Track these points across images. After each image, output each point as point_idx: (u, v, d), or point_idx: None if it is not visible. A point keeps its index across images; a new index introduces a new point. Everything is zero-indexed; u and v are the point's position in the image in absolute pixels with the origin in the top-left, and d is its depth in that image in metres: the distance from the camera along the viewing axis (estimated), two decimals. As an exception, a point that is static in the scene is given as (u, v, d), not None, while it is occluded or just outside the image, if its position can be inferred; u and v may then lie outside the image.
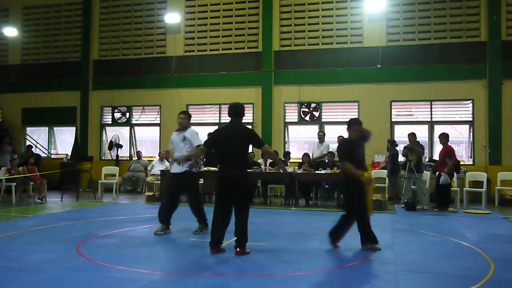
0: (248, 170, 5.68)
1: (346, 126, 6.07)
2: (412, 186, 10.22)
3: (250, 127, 13.74)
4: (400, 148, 11.29)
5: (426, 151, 12.17)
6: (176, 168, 6.71)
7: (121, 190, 13.60)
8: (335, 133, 13.76)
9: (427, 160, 12.00)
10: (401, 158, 11.11)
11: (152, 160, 13.61)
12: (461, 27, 12.75)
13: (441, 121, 12.96)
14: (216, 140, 5.71)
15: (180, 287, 4.32)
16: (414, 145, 10.19)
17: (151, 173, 13.20)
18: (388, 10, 13.12)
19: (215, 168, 10.27)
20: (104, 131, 15.68)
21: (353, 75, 13.26)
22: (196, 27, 14.76)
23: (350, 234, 6.96)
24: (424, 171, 10.64)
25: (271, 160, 11.62)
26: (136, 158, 14.28)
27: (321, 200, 11.66)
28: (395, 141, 11.57)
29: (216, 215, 5.48)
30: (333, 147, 12.61)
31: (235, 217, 5.49)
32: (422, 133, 12.58)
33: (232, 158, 5.43)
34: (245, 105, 15.39)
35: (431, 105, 12.95)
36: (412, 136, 10.37)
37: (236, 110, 5.60)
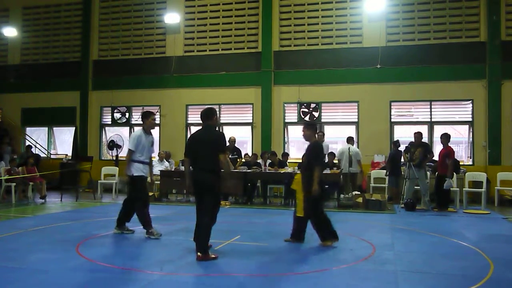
0: (221, 170, 5.58)
1: (311, 129, 6.27)
2: (416, 187, 10.22)
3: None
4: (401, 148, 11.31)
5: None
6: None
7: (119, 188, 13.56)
8: (334, 134, 13.83)
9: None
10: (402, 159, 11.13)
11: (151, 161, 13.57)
12: (460, 27, 12.76)
13: (441, 121, 12.96)
14: (190, 146, 5.73)
15: (179, 287, 4.32)
16: (419, 144, 10.21)
17: (150, 173, 13.16)
18: (388, 11, 13.13)
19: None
20: (103, 131, 15.68)
21: (352, 75, 13.26)
22: (195, 27, 14.76)
23: (347, 234, 6.97)
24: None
25: (270, 161, 11.63)
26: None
27: (320, 200, 11.64)
28: (397, 141, 11.57)
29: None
30: (333, 147, 12.66)
31: (198, 219, 5.50)
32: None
33: (201, 162, 5.46)
34: (244, 105, 15.46)
35: (430, 105, 12.96)
36: (418, 135, 10.40)
37: (206, 114, 5.67)
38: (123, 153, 14.67)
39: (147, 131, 6.74)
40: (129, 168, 6.52)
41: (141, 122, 6.86)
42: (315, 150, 6.16)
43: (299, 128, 13.99)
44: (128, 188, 6.83)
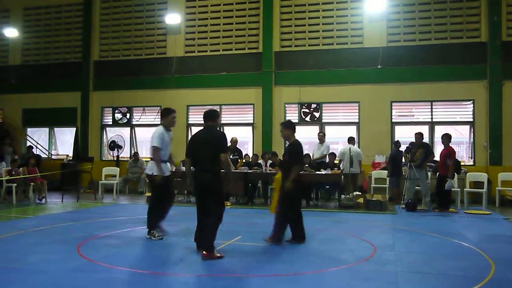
0: (221, 171, 5.60)
1: (290, 128, 6.33)
2: (416, 187, 10.22)
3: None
4: (402, 148, 11.30)
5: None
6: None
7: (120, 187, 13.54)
8: (335, 134, 13.81)
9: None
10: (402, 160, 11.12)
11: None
12: (461, 27, 12.75)
13: (442, 122, 12.94)
14: (191, 146, 5.76)
15: (180, 287, 4.32)
16: (420, 144, 10.22)
17: (151, 174, 13.12)
18: (389, 11, 13.11)
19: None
20: (104, 132, 15.68)
21: (353, 75, 13.26)
22: (196, 28, 14.76)
23: (348, 235, 6.98)
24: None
25: (271, 161, 11.63)
26: (133, 159, 14.01)
27: (321, 200, 11.66)
28: (398, 142, 11.57)
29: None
30: (334, 147, 12.65)
31: (200, 220, 5.59)
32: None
33: (202, 162, 5.49)
34: (245, 106, 15.43)
35: (431, 105, 12.94)
36: (419, 136, 10.41)
37: (209, 115, 5.73)
38: (124, 154, 14.73)
39: (167, 128, 6.57)
40: (159, 166, 6.26)
41: (160, 120, 6.69)
42: (294, 149, 6.19)
43: (300, 129, 14.13)
44: (151, 188, 6.73)
